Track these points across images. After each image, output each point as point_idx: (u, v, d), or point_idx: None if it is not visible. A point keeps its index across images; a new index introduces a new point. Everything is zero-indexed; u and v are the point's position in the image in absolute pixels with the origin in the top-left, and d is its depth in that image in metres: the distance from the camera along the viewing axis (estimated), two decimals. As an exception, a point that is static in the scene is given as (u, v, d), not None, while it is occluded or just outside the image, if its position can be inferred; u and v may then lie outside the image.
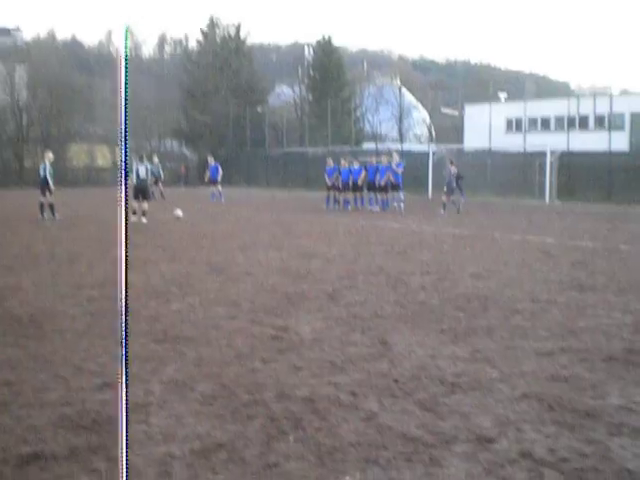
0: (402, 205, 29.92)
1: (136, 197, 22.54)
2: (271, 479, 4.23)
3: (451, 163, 30.03)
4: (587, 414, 5.36)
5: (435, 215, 27.38)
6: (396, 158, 31.30)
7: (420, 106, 73.93)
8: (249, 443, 4.76)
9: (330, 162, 32.65)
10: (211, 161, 38.50)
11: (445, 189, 29.19)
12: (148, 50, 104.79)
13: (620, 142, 44.17)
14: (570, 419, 5.25)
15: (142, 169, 23.00)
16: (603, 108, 46.38)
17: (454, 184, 29.11)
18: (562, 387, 6.02)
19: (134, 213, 22.10)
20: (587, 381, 6.19)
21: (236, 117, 61.91)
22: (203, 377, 6.22)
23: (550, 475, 4.30)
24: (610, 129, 42.63)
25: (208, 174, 38.05)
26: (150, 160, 37.61)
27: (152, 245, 16.47)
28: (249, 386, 5.97)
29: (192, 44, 78.28)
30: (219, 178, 37.17)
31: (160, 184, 37.25)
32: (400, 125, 65.63)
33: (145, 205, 22.62)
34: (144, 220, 22.10)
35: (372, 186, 30.58)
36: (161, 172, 38.34)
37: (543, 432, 4.99)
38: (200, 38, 68.62)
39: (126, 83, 2.97)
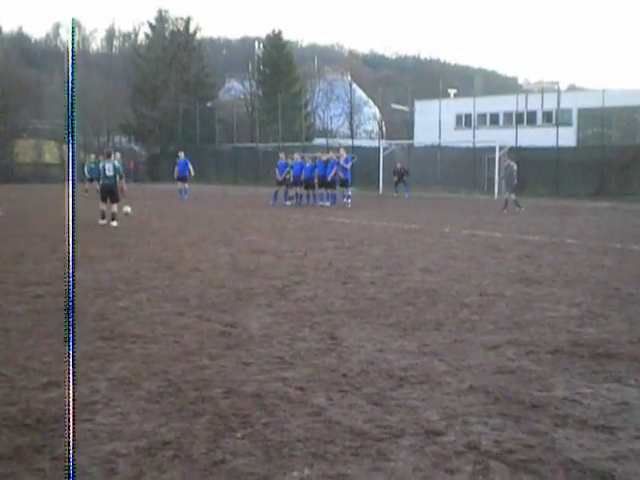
0: (349, 201, 29.97)
1: (104, 199, 20.86)
2: (218, 476, 4.20)
3: (510, 158, 28.80)
4: (533, 406, 5.41)
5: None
6: (343, 154, 31.35)
7: (371, 102, 74.19)
8: (196, 440, 4.72)
9: (282, 157, 32.63)
10: (181, 157, 36.83)
11: (507, 187, 28.05)
12: (96, 44, 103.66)
13: (568, 137, 44.88)
14: (516, 411, 5.30)
15: (109, 166, 20.98)
16: (551, 104, 47.03)
17: (515, 181, 28.00)
18: (508, 379, 6.08)
19: (103, 217, 20.67)
20: (533, 373, 6.25)
21: (185, 112, 61.57)
22: (150, 374, 6.16)
23: (496, 467, 4.33)
24: (558, 124, 43.22)
25: (177, 170, 36.49)
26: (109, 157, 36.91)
27: (100, 242, 16.27)
28: (197, 383, 5.93)
29: (141, 38, 77.68)
30: (191, 174, 36.14)
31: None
32: (351, 121, 65.84)
33: (114, 207, 20.64)
34: (114, 224, 20.26)
35: (322, 182, 30.65)
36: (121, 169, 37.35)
37: (489, 424, 5.02)
38: (149, 32, 68.04)
39: (73, 77, 2.92)
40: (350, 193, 30.51)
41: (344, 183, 30.44)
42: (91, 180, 36.96)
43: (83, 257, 12.95)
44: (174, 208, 28.62)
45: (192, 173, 36.33)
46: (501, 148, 40.52)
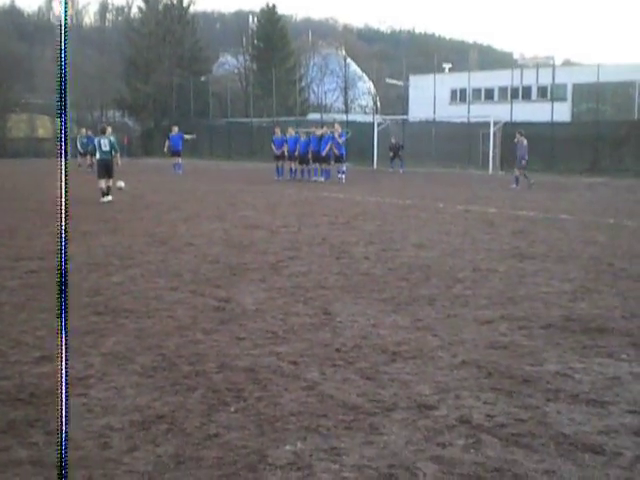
0: (343, 176, 29.84)
1: (101, 176, 20.47)
2: (212, 450, 4.22)
3: (520, 134, 28.51)
4: (525, 380, 5.44)
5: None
6: (338, 129, 31.18)
7: (365, 77, 73.90)
8: (190, 414, 4.74)
9: (278, 132, 32.52)
10: (174, 131, 36.21)
11: (518, 163, 27.92)
12: (89, 18, 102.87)
13: (562, 113, 44.70)
14: (508, 385, 5.32)
15: (105, 142, 20.65)
16: (546, 79, 46.85)
17: (526, 157, 27.77)
18: (501, 354, 6.10)
19: (104, 194, 20.30)
20: (525, 348, 6.28)
21: (179, 87, 61.24)
22: (144, 349, 6.17)
23: (488, 440, 4.35)
24: (552, 100, 43.10)
25: (169, 144, 35.96)
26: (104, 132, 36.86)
27: (93, 217, 16.24)
28: (190, 357, 5.94)
29: (134, 11, 77.12)
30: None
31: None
32: (345, 96, 65.59)
33: (110, 182, 20.51)
34: (109, 198, 20.18)
35: (317, 157, 30.53)
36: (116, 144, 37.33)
37: (481, 398, 5.05)
38: (142, 5, 67.52)
39: (65, 51, 2.89)
40: (344, 168, 30.39)
41: (338, 158, 30.31)
42: (84, 155, 36.94)
43: (76, 232, 12.94)
44: (168, 183, 28.55)
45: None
46: (496, 123, 40.41)
